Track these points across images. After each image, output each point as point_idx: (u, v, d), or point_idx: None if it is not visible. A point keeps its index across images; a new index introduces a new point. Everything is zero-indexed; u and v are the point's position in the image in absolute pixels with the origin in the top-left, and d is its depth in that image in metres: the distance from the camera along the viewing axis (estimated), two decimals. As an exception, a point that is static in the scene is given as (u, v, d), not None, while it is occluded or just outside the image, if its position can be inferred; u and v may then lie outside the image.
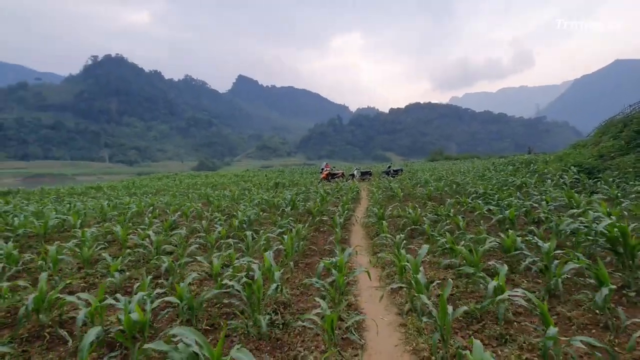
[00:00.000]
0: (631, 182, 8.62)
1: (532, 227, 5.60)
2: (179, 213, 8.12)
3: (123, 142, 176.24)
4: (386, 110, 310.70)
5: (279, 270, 3.79)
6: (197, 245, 5.44)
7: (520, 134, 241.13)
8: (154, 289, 3.45)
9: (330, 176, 19.65)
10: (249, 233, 5.39)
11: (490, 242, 4.58)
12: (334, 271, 3.60)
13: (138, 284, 3.68)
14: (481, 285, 3.59)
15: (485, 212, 6.63)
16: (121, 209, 9.34)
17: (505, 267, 3.27)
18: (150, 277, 3.74)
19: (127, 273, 4.66)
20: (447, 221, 6.45)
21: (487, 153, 72.90)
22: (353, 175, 21.10)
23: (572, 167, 11.52)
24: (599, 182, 9.46)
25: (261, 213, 7.94)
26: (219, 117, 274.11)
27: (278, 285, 3.45)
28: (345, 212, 7.97)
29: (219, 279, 3.62)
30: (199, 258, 4.03)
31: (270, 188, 15.08)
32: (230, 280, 3.42)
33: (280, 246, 5.26)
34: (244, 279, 3.30)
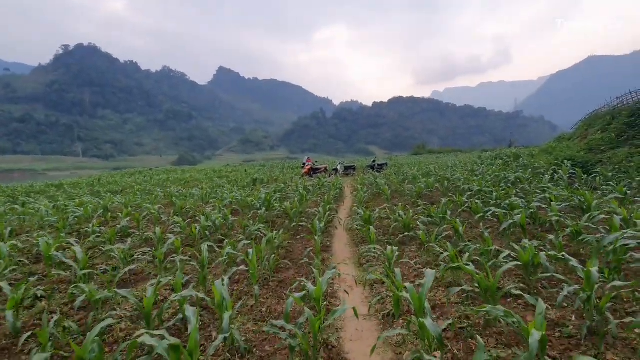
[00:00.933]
0: (638, 178, 7.99)
1: (545, 234, 4.78)
2: (129, 218, 6.88)
3: (97, 135, 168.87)
4: (369, 104, 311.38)
5: (231, 308, 2.74)
6: (136, 266, 4.29)
7: (499, 128, 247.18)
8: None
9: (313, 171, 18.68)
10: (205, 248, 4.28)
11: (505, 257, 3.68)
12: (307, 312, 2.58)
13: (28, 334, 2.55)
14: (502, 321, 2.67)
15: (488, 216, 5.75)
16: (64, 212, 7.96)
17: (543, 305, 2.34)
18: (53, 320, 2.63)
19: (31, 310, 3.49)
20: (444, 226, 5.56)
21: (468, 147, 73.71)
22: (336, 170, 20.16)
23: (566, 162, 10.94)
24: (597, 178, 8.86)
25: (230, 216, 6.80)
26: (199, 110, 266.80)
27: (226, 336, 2.40)
28: (327, 213, 6.97)
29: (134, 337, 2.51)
30: (122, 293, 2.91)
31: (246, 185, 13.90)
32: (158, 328, 2.34)
33: (246, 263, 4.22)
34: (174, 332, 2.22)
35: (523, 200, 6.36)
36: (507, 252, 3.77)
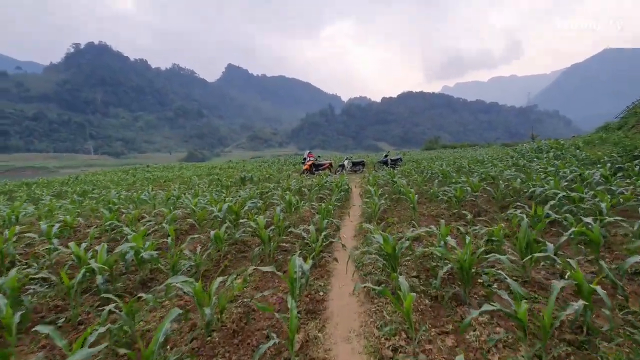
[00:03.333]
0: None
1: None
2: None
3: (109, 133, 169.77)
4: (378, 100, 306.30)
5: None
6: None
7: (513, 123, 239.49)
8: None
9: (315, 168, 16.10)
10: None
11: None
12: None
13: None
14: None
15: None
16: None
17: None
18: None
19: None
20: (539, 264, 2.90)
21: (481, 141, 69.68)
22: (343, 166, 17.51)
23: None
24: None
25: (171, 239, 4.24)
26: (209, 107, 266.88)
27: None
28: (323, 235, 4.34)
29: None
30: None
31: (230, 185, 11.34)
32: None
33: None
34: None
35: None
36: None
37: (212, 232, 4.27)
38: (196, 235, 4.90)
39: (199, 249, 3.99)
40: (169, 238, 4.29)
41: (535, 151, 14.24)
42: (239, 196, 7.40)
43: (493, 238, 3.89)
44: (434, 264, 3.53)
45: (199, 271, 3.90)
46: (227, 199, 6.64)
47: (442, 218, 5.66)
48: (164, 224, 4.95)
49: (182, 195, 7.72)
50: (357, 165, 17.91)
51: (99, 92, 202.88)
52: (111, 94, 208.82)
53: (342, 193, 7.94)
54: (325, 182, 9.77)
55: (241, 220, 5.25)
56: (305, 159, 16.97)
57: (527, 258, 3.20)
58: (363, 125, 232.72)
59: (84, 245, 3.89)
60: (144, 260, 3.57)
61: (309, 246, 4.32)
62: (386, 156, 18.91)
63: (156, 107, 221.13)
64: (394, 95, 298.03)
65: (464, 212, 5.23)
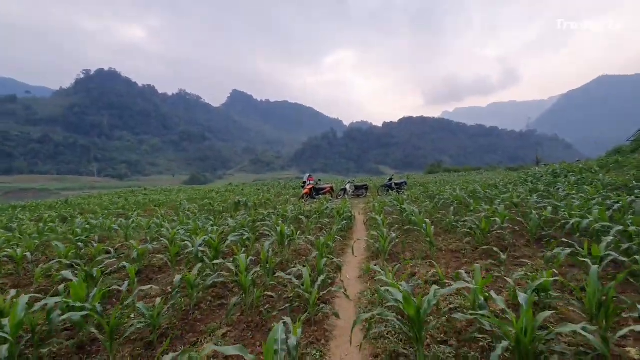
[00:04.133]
0: None
1: None
2: None
3: (113, 156, 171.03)
4: (379, 124, 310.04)
5: None
6: None
7: (512, 147, 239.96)
8: None
9: (315, 192, 15.22)
10: None
11: None
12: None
13: None
14: None
15: None
16: None
17: None
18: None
19: None
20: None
21: (482, 165, 68.74)
22: (345, 190, 16.66)
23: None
24: None
25: (125, 284, 3.32)
26: (213, 131, 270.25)
27: None
28: (321, 279, 3.41)
29: None
30: None
31: (223, 211, 10.42)
32: None
33: None
34: None
35: None
36: None
37: (178, 277, 3.33)
38: (165, 276, 3.96)
39: (158, 300, 3.04)
40: (126, 283, 3.37)
41: (552, 175, 13.32)
42: (227, 225, 6.46)
43: (542, 288, 2.95)
44: (475, 334, 2.56)
45: (156, 332, 2.94)
46: (214, 228, 5.72)
47: (465, 256, 4.71)
48: (124, 263, 3.99)
49: (164, 223, 6.80)
50: (359, 190, 17.10)
51: (106, 116, 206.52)
52: (117, 117, 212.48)
53: (345, 222, 7.01)
54: (326, 209, 8.84)
55: (219, 261, 4.28)
56: (305, 182, 15.94)
57: (605, 323, 2.25)
58: (365, 149, 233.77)
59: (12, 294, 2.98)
60: (74, 320, 2.64)
61: (302, 297, 3.38)
62: (390, 180, 18.03)
63: (161, 131, 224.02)
64: (395, 120, 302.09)
65: (493, 248, 4.26)
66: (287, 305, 3.31)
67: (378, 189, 18.07)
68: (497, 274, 3.52)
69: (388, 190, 16.76)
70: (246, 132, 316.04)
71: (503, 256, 3.93)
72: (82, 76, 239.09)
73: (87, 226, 6.85)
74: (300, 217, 7.32)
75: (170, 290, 3.94)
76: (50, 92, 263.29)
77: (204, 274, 3.95)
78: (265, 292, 3.60)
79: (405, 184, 17.93)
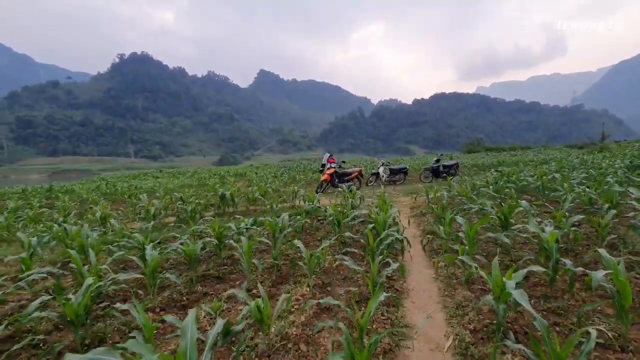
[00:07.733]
0: None
1: None
2: None
3: (148, 137, 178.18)
4: (409, 102, 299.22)
5: None
6: None
7: (556, 124, 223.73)
8: None
9: (338, 178, 11.68)
10: None
11: None
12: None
13: None
14: None
15: None
16: None
17: None
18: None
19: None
20: None
21: (519, 142, 64.11)
22: (377, 175, 13.23)
23: None
24: None
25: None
26: (241, 112, 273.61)
27: None
28: None
29: None
30: None
31: (197, 210, 7.48)
32: None
33: None
34: None
35: None
36: None
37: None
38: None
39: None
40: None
41: None
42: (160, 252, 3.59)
43: None
44: None
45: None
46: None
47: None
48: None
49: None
50: (397, 174, 13.39)
51: (140, 99, 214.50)
52: (150, 100, 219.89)
53: (389, 248, 3.68)
54: (353, 218, 5.07)
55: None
56: (324, 164, 11.86)
57: None
58: (393, 128, 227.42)
59: None
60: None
61: None
62: (437, 161, 13.83)
63: (191, 113, 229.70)
64: (426, 97, 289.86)
65: None
66: None
67: (421, 173, 14.48)
68: None
69: (435, 175, 13.52)
70: (273, 112, 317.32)
71: None
72: (117, 61, 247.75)
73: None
74: (297, 244, 3.55)
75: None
76: (89, 77, 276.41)
77: None
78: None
79: (458, 166, 13.99)
